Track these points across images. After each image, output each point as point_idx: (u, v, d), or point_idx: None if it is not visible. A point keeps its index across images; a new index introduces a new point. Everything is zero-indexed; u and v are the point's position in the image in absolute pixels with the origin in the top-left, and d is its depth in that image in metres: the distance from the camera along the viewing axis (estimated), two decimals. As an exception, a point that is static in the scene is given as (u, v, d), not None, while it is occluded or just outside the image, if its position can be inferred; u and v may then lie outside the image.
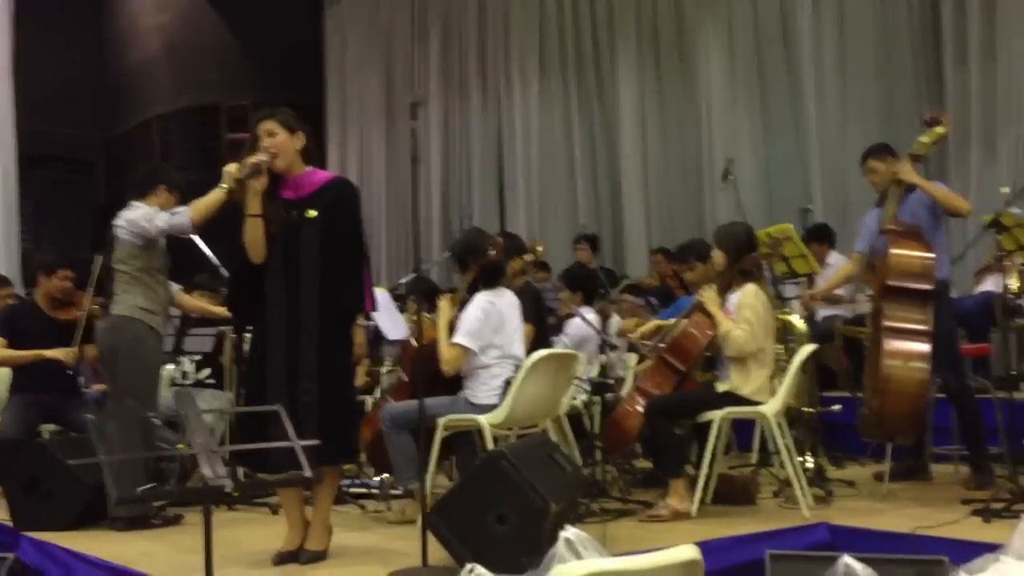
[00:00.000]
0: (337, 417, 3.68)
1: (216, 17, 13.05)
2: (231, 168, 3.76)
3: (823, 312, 6.26)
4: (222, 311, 5.36)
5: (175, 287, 5.27)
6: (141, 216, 4.53)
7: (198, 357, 6.23)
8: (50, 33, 12.76)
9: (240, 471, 4.96)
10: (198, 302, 5.69)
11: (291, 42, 12.67)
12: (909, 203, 4.85)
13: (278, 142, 3.73)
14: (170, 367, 6.12)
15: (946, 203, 4.80)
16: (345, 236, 3.78)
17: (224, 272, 5.39)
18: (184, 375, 6.05)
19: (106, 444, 4.45)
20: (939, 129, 4.86)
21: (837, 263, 6.79)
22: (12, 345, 5.32)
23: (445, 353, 4.42)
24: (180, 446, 4.65)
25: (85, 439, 4.82)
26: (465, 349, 4.41)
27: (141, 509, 4.51)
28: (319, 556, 3.74)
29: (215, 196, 4.04)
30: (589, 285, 6.18)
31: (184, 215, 4.37)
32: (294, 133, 3.78)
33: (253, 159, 3.68)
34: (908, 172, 4.79)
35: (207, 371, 6.42)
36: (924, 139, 4.84)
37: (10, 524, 4.59)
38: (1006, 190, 6.00)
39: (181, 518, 4.64)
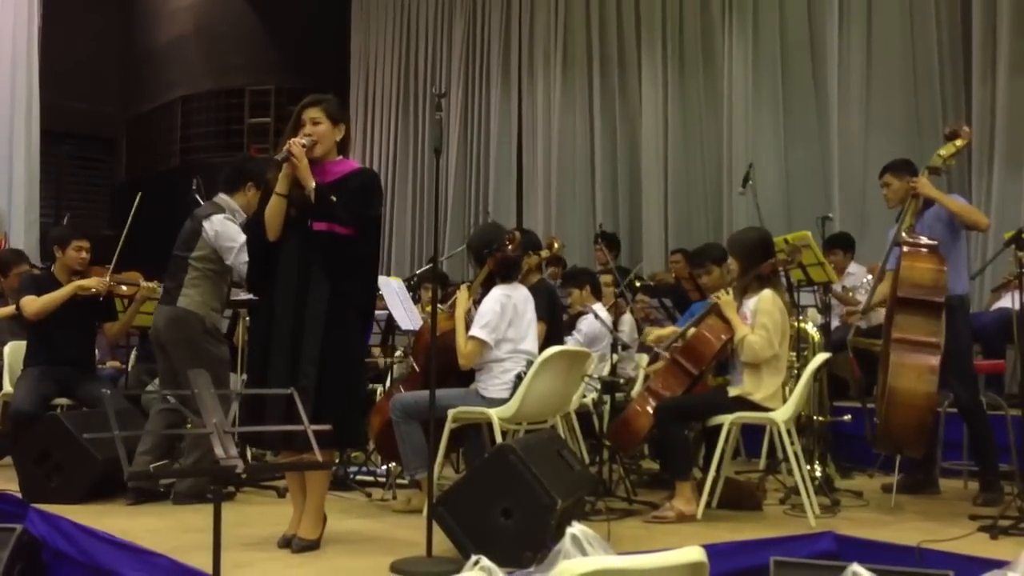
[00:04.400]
0: (334, 404, 3.65)
1: (243, 1, 13.09)
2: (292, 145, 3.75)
3: (838, 322, 6.25)
4: None
5: None
6: (229, 238, 4.60)
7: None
8: (77, 9, 12.82)
9: (248, 452, 4.99)
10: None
11: (316, 29, 12.70)
12: (927, 217, 4.83)
13: (320, 130, 3.77)
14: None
15: (965, 217, 4.77)
16: (361, 222, 3.77)
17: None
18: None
19: (159, 421, 4.56)
20: (959, 142, 4.83)
21: (857, 273, 6.78)
22: None
23: (463, 347, 4.43)
24: (189, 424, 4.68)
25: (98, 414, 4.86)
26: (482, 343, 4.42)
27: (199, 486, 4.60)
28: (311, 545, 3.72)
29: None
30: (592, 280, 6.20)
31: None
32: (336, 124, 3.82)
33: (297, 139, 3.70)
34: (926, 186, 4.77)
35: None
36: (943, 152, 4.82)
37: (19, 495, 4.63)
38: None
39: (234, 494, 4.68)
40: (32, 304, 5.28)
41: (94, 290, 5.24)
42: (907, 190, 4.85)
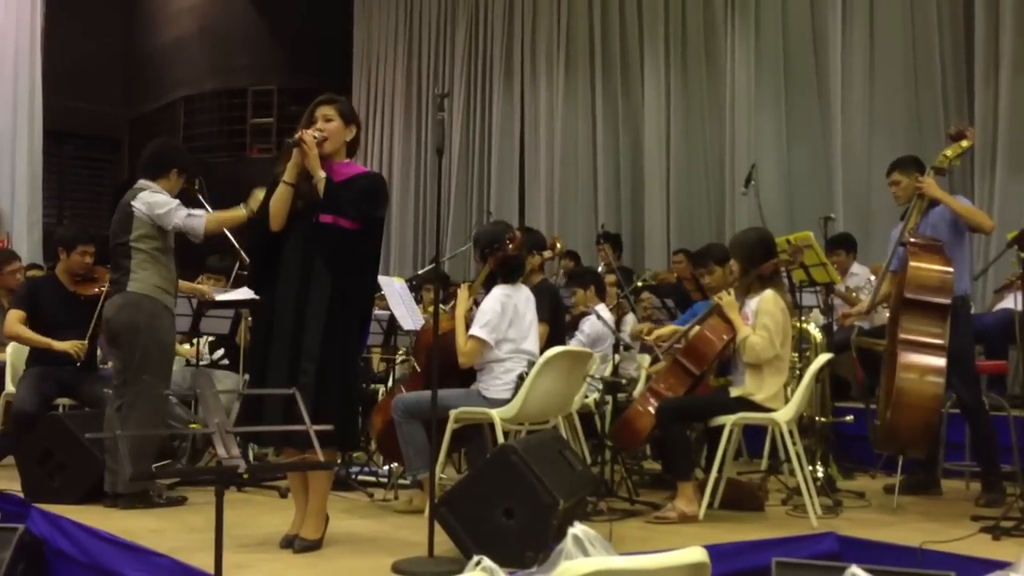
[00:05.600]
0: (333, 402, 3.65)
1: (246, 1, 13.11)
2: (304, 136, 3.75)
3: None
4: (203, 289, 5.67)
5: None
6: (161, 204, 4.57)
7: (211, 338, 6.27)
8: (79, 9, 12.83)
9: (250, 452, 4.98)
10: (189, 285, 5.73)
11: (319, 29, 12.71)
12: (931, 217, 4.83)
13: (332, 127, 3.79)
14: (185, 347, 6.16)
15: (970, 219, 4.77)
16: (365, 224, 3.78)
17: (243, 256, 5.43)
18: (198, 355, 6.09)
19: (117, 421, 4.47)
20: (964, 143, 4.84)
21: (860, 273, 6.77)
22: (32, 318, 5.36)
23: (463, 345, 4.43)
24: (194, 425, 4.68)
25: (100, 414, 4.85)
26: (482, 342, 4.41)
27: (143, 486, 4.52)
28: (313, 545, 3.71)
29: (236, 214, 4.35)
30: (597, 280, 6.21)
31: (200, 221, 4.54)
32: (348, 125, 3.85)
33: (307, 131, 3.72)
34: (932, 187, 4.77)
35: (220, 351, 6.46)
36: (948, 152, 4.83)
37: (22, 495, 4.63)
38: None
39: (185, 500, 4.66)
40: (11, 327, 5.32)
41: (68, 352, 5.20)
42: (915, 188, 4.85)
